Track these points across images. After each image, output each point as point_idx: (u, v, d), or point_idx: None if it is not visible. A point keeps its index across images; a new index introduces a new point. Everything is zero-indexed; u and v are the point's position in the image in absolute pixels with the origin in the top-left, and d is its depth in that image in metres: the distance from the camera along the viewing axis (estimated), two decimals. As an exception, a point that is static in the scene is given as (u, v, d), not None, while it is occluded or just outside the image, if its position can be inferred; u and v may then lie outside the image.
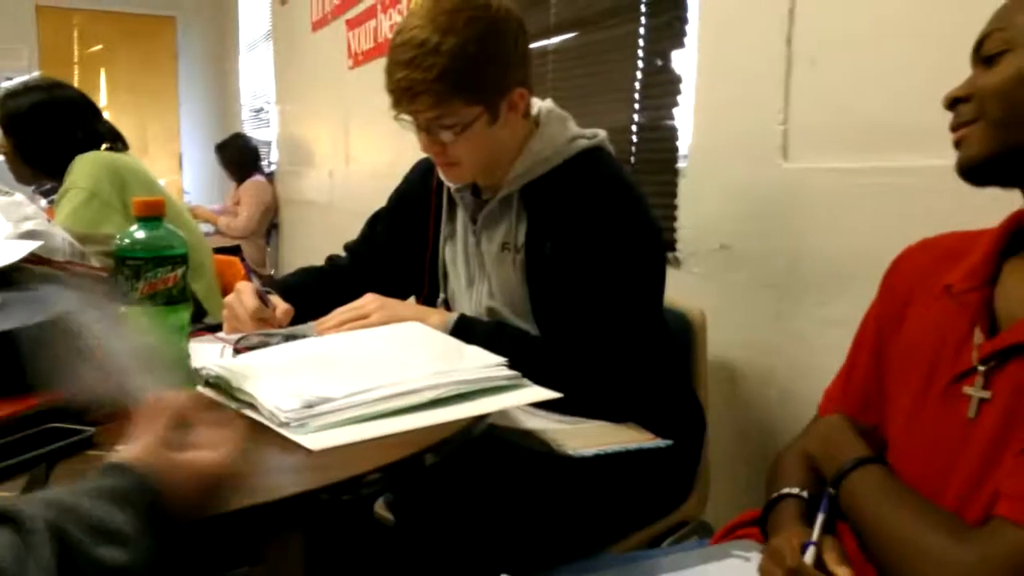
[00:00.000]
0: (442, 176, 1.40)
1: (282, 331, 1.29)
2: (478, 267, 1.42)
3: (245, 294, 1.34)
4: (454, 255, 1.47)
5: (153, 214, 0.93)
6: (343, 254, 1.63)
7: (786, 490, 0.97)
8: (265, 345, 1.19)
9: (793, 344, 1.61)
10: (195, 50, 7.08)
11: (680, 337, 1.52)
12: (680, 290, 1.62)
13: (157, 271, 0.91)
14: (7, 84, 5.37)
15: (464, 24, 1.20)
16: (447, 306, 1.50)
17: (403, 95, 1.23)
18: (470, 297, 1.43)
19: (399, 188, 1.59)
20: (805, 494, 0.95)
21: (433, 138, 1.28)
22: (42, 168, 2.27)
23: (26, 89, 2.24)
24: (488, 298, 1.40)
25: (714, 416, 1.56)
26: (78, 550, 0.52)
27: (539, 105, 1.40)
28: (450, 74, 1.19)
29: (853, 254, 1.46)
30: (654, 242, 1.31)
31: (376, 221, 1.61)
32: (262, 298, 1.34)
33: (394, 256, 1.55)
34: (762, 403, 1.68)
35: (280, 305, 1.36)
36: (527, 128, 1.35)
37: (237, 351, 1.19)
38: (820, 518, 0.89)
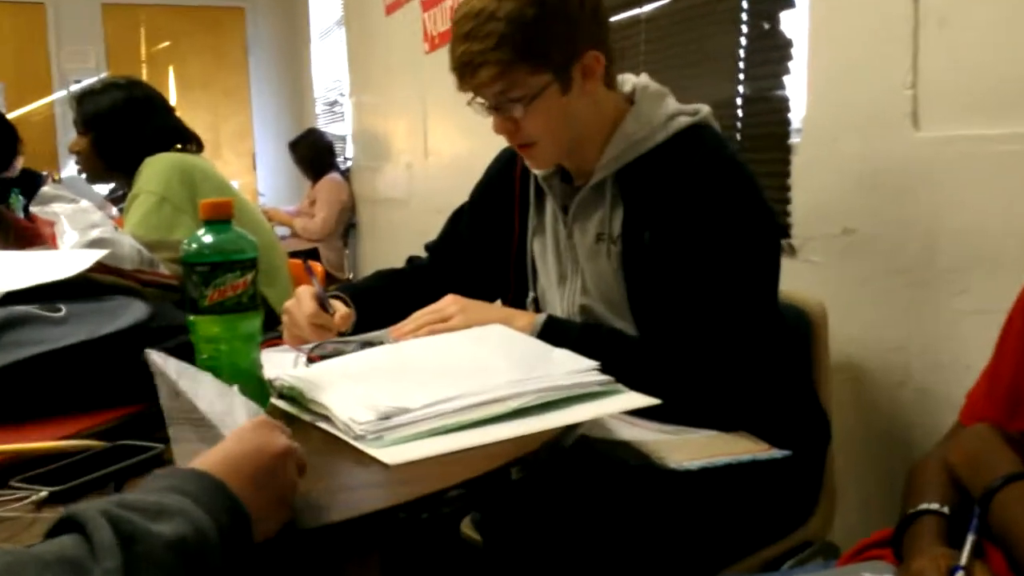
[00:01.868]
0: (526, 163, 1.40)
1: (357, 338, 1.31)
2: (570, 261, 1.42)
3: (303, 299, 1.36)
4: (543, 249, 1.47)
5: (221, 216, 0.94)
6: (424, 255, 1.65)
7: (925, 505, 0.93)
8: (340, 353, 1.22)
9: (928, 339, 1.56)
10: (265, 42, 7.30)
11: (798, 334, 1.49)
12: (796, 281, 1.59)
13: (226, 276, 0.93)
14: (76, 87, 5.66)
15: None
16: (537, 306, 1.50)
17: (464, 70, 1.24)
18: (562, 295, 1.43)
19: (482, 180, 1.60)
20: (947, 510, 0.91)
21: (504, 116, 1.28)
22: (116, 167, 2.39)
23: (104, 87, 2.39)
24: (582, 295, 1.40)
25: (838, 423, 1.53)
26: (133, 526, 0.58)
27: (633, 81, 1.39)
28: (509, 40, 1.20)
29: (997, 234, 1.40)
30: (767, 228, 1.29)
31: (459, 217, 1.62)
32: (322, 303, 1.36)
33: (478, 254, 1.56)
34: (893, 408, 1.64)
35: (340, 309, 1.37)
36: (618, 105, 1.35)
37: (311, 360, 1.22)
38: (970, 540, 0.85)
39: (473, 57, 1.22)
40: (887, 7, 1.58)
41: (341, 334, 1.36)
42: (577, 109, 1.30)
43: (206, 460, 0.70)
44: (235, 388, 0.82)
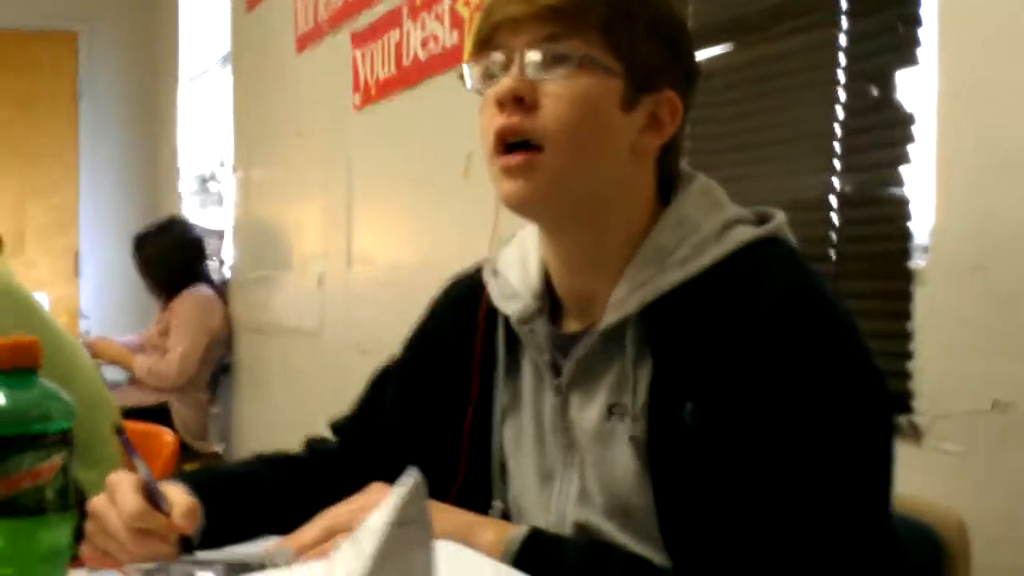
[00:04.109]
0: (499, 186, 1.22)
1: (225, 554, 1.20)
2: (563, 449, 1.30)
3: (121, 489, 1.20)
4: (518, 434, 1.35)
5: (21, 364, 0.89)
6: (331, 436, 1.54)
7: None
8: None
9: None
10: (108, 82, 6.56)
11: (924, 565, 1.34)
12: (922, 482, 1.45)
13: (22, 459, 0.86)
14: None
15: None
16: (506, 518, 1.37)
17: (518, 6, 1.18)
18: (547, 503, 1.31)
19: (420, 326, 1.49)
20: None
21: (519, 80, 1.18)
22: None
23: None
24: (579, 503, 1.27)
25: None
26: None
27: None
28: (609, 9, 1.16)
29: None
30: (876, 399, 1.16)
31: (383, 383, 1.50)
32: (151, 495, 1.21)
33: (414, 443, 1.41)
34: None
35: (179, 501, 1.22)
36: (649, 204, 1.26)
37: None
38: None
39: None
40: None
41: (185, 543, 1.18)
42: (618, 157, 1.22)
43: None
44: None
